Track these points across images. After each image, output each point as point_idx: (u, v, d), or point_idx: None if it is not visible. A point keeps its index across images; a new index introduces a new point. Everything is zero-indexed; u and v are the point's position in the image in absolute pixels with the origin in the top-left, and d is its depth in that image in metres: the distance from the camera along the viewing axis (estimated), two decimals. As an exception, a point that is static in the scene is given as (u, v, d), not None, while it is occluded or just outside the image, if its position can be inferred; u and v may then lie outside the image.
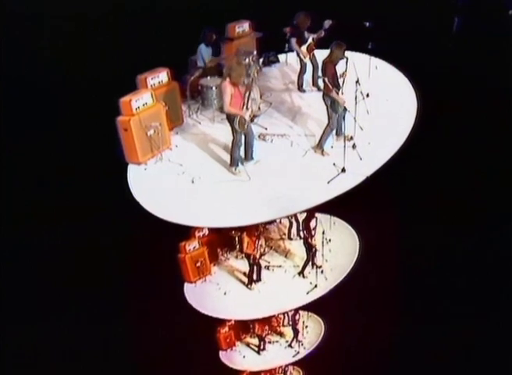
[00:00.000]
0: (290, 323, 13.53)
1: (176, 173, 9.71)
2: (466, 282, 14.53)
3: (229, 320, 13.24)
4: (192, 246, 12.10)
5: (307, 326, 13.89)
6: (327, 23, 10.77)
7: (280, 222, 13.18)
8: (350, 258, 11.89)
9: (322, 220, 11.76)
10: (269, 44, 12.08)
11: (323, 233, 11.46)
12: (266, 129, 10.46)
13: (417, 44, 12.98)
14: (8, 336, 12.34)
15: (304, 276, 11.67)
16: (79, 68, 12.41)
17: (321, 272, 11.57)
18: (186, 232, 11.86)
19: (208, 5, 12.89)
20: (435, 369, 14.25)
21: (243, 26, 11.77)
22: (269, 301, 11.42)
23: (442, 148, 13.17)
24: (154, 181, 9.66)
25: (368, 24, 10.92)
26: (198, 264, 12.10)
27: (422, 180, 13.80)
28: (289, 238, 12.87)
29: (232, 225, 9.41)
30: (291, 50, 11.59)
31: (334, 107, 9.67)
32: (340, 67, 9.73)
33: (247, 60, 10.79)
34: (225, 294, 11.77)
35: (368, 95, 9.91)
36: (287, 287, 11.59)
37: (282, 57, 12.46)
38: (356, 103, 9.51)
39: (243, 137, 9.61)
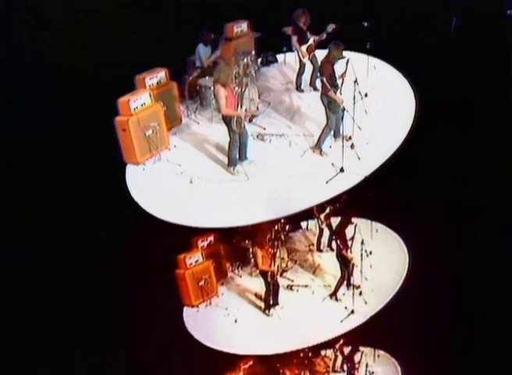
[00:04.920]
0: (346, 366, 10.73)
1: (175, 173, 9.70)
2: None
3: (245, 361, 10.54)
4: (194, 259, 10.17)
5: (373, 373, 10.91)
6: (330, 27, 10.75)
7: (307, 229, 11.55)
8: (397, 276, 10.04)
9: (362, 227, 9.83)
10: (268, 44, 12.07)
11: (362, 243, 9.57)
12: (264, 129, 10.46)
13: (416, 43, 12.96)
14: (7, 336, 12.33)
15: (337, 299, 9.91)
16: (77, 68, 12.39)
17: (360, 294, 9.75)
18: (188, 233, 10.14)
19: (206, 5, 12.88)
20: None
21: (242, 26, 11.77)
22: (293, 332, 9.50)
23: (441, 148, 13.14)
24: (152, 181, 9.66)
25: (366, 24, 10.94)
26: (201, 283, 10.11)
27: (421, 180, 13.70)
28: (319, 250, 11.05)
29: (230, 225, 9.34)
30: (290, 50, 11.60)
31: (332, 107, 9.67)
32: (340, 68, 9.70)
33: (245, 60, 10.80)
34: (235, 321, 9.98)
35: (366, 95, 9.90)
36: (316, 312, 9.78)
37: (280, 57, 12.46)
38: (354, 103, 9.51)
39: (239, 136, 9.59)
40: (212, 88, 10.71)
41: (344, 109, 9.47)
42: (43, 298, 12.17)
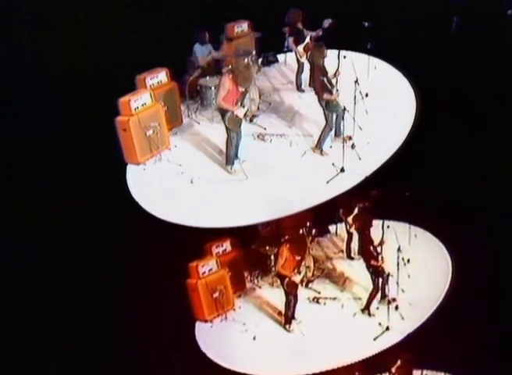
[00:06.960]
0: None
1: (175, 173, 9.71)
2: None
3: None
4: (207, 268, 9.18)
5: None
6: (326, 23, 10.78)
7: (336, 234, 10.58)
8: (439, 288, 9.02)
9: (398, 231, 8.88)
10: (268, 44, 12.08)
11: (399, 250, 8.56)
12: (265, 129, 10.48)
13: (416, 43, 12.98)
14: (7, 336, 12.32)
15: (369, 314, 8.97)
16: (77, 68, 12.39)
17: (396, 308, 8.77)
18: (202, 237, 9.37)
19: (206, 5, 12.89)
20: None
21: (242, 26, 11.79)
22: (318, 351, 8.52)
23: (441, 148, 13.15)
24: (153, 181, 9.68)
25: (366, 24, 10.96)
26: (216, 294, 9.13)
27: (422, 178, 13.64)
28: (349, 257, 10.04)
29: (231, 225, 9.32)
30: (290, 50, 11.61)
31: (330, 107, 9.67)
32: (333, 66, 9.65)
33: (246, 60, 10.79)
34: (254, 338, 9.01)
35: (366, 95, 9.92)
36: (345, 329, 8.80)
37: (281, 57, 12.46)
38: (355, 103, 9.54)
39: (236, 134, 9.54)
40: (213, 88, 10.77)
41: (345, 109, 9.48)
42: (43, 298, 12.15)
